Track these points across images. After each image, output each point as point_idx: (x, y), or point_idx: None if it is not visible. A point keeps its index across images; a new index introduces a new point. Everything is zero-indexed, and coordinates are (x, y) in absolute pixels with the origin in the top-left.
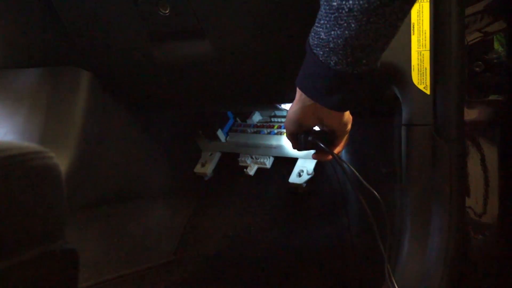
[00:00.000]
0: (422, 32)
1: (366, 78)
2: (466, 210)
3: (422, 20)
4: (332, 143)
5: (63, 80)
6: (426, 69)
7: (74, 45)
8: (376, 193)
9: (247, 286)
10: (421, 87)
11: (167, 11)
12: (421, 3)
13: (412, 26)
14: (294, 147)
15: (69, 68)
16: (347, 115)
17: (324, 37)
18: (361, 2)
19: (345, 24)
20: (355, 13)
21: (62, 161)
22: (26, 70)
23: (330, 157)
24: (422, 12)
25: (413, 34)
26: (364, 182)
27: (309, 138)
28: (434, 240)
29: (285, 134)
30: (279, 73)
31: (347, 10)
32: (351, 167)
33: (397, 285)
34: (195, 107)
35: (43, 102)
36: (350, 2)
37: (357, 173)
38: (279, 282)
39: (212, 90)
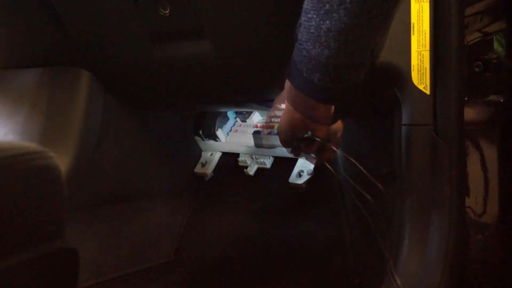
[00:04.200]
0: (422, 32)
1: (351, 91)
2: (466, 210)
3: (422, 20)
4: (323, 150)
5: (63, 80)
6: (426, 69)
7: (74, 45)
8: (379, 185)
9: (247, 285)
10: (421, 87)
11: (167, 11)
12: (421, 3)
13: (412, 26)
14: (289, 152)
15: (69, 68)
16: (336, 125)
17: (306, 55)
18: (337, 23)
19: (325, 43)
20: (333, 33)
21: (62, 161)
22: (26, 70)
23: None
24: (422, 12)
25: (413, 34)
26: (367, 174)
27: (301, 146)
28: (434, 240)
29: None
30: (279, 73)
31: (325, 30)
32: (352, 160)
33: (396, 286)
34: (195, 107)
35: (43, 102)
36: (327, 22)
37: (360, 166)
38: (279, 281)
39: (212, 90)
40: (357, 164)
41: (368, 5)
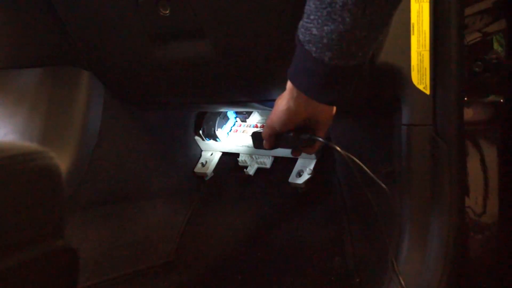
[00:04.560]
0: (422, 33)
1: (361, 70)
2: (466, 210)
3: (422, 20)
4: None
5: (63, 80)
6: (426, 69)
7: (74, 45)
8: (383, 186)
9: (247, 285)
10: (421, 87)
11: (167, 11)
12: (421, 3)
13: (412, 26)
14: (268, 148)
15: (69, 68)
16: (334, 107)
17: (316, 33)
18: (340, 25)
19: (339, 19)
20: (350, 7)
21: (62, 161)
22: (26, 70)
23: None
24: (422, 12)
25: (413, 35)
26: (371, 174)
27: (308, 136)
28: (433, 240)
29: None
30: (280, 73)
31: (341, 4)
32: (356, 159)
33: (396, 286)
34: (195, 107)
35: (43, 102)
36: (329, 24)
37: (363, 166)
38: (279, 281)
39: (212, 90)
40: (361, 164)
41: (370, 7)
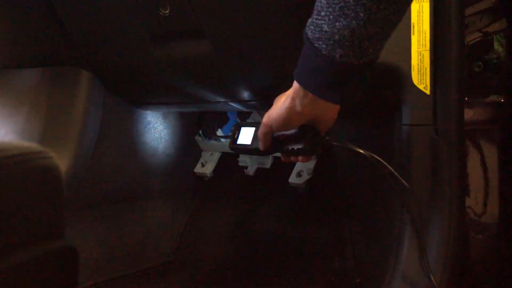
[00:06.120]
0: (422, 32)
1: (370, 68)
2: (466, 210)
3: (422, 20)
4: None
5: (63, 80)
6: (426, 69)
7: (74, 45)
8: (405, 182)
9: (247, 285)
10: (421, 87)
11: (167, 11)
12: (421, 3)
13: (412, 26)
14: (263, 149)
15: (69, 68)
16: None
17: (327, 30)
18: (353, 21)
19: (353, 14)
20: (364, 1)
21: (62, 161)
22: (26, 70)
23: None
24: (422, 12)
25: (413, 34)
26: (396, 173)
27: (327, 138)
28: (434, 240)
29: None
30: (279, 73)
31: (339, 28)
32: (382, 160)
33: (396, 286)
34: (195, 106)
35: (43, 102)
36: (342, 20)
37: (389, 166)
38: (279, 282)
39: (212, 90)
40: (386, 164)
41: (386, 1)
